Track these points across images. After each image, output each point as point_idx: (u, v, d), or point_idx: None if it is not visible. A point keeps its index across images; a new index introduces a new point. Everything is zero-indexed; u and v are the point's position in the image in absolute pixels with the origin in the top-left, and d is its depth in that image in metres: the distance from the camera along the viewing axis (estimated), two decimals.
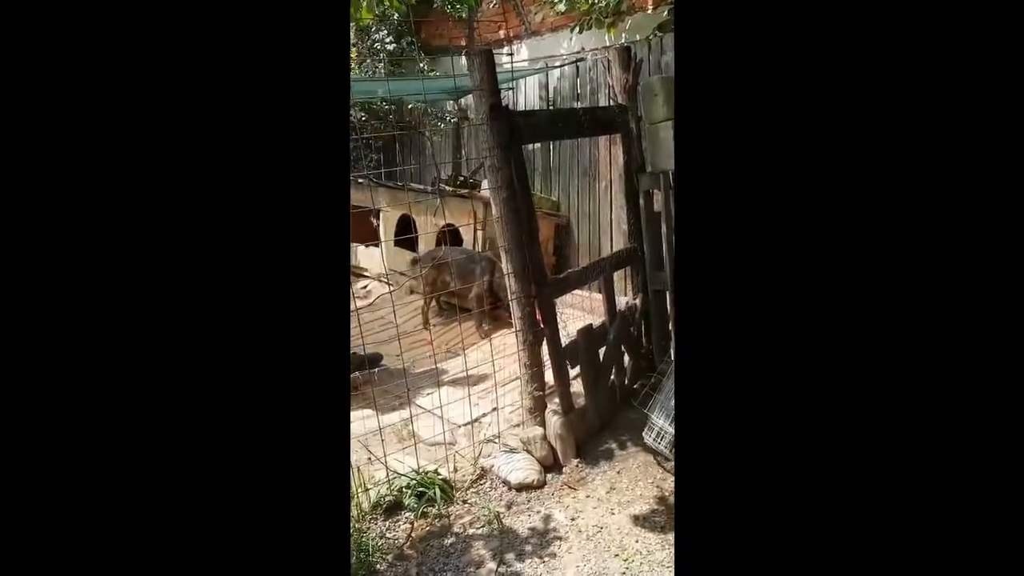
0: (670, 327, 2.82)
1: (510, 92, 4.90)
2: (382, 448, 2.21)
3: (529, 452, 2.34)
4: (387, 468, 2.18)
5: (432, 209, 4.39)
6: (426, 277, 3.93)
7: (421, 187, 4.85)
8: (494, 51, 2.38)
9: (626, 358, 2.83)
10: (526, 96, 4.95)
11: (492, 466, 2.31)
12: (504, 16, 5.42)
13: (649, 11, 4.24)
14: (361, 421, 2.38)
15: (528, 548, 1.93)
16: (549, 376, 2.46)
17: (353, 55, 5.84)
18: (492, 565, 1.86)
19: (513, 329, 2.45)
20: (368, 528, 2.01)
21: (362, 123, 6.14)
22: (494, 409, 2.72)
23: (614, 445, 2.49)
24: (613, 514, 2.08)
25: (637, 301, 2.93)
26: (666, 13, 4.05)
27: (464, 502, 2.17)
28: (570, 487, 2.25)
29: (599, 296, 3.26)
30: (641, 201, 2.80)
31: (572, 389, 2.50)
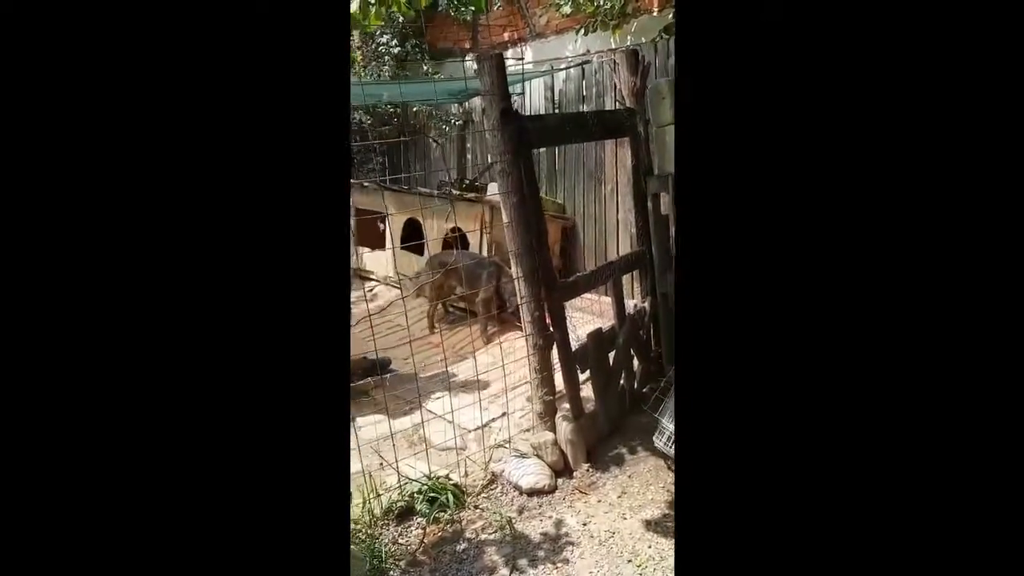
0: None
1: (519, 97, 4.88)
2: (393, 453, 2.22)
3: (540, 457, 2.34)
4: (398, 473, 2.18)
5: (441, 213, 4.37)
6: (433, 281, 3.93)
7: (428, 191, 4.84)
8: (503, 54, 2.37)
9: (635, 362, 2.83)
10: (531, 99, 4.93)
11: (503, 471, 2.31)
12: (509, 18, 5.42)
13: (655, 13, 4.24)
14: (372, 426, 2.38)
15: (541, 553, 1.93)
16: (559, 380, 2.46)
17: (358, 59, 5.85)
18: (505, 571, 1.86)
19: (519, 333, 2.45)
20: (380, 534, 2.01)
21: (367, 126, 6.15)
22: (504, 414, 2.72)
23: (624, 449, 2.49)
24: (625, 519, 2.08)
25: (646, 304, 2.92)
26: (671, 15, 4.05)
27: (475, 507, 2.17)
28: (581, 492, 2.25)
29: (608, 299, 3.27)
30: (649, 204, 2.80)
31: (582, 393, 2.50)
